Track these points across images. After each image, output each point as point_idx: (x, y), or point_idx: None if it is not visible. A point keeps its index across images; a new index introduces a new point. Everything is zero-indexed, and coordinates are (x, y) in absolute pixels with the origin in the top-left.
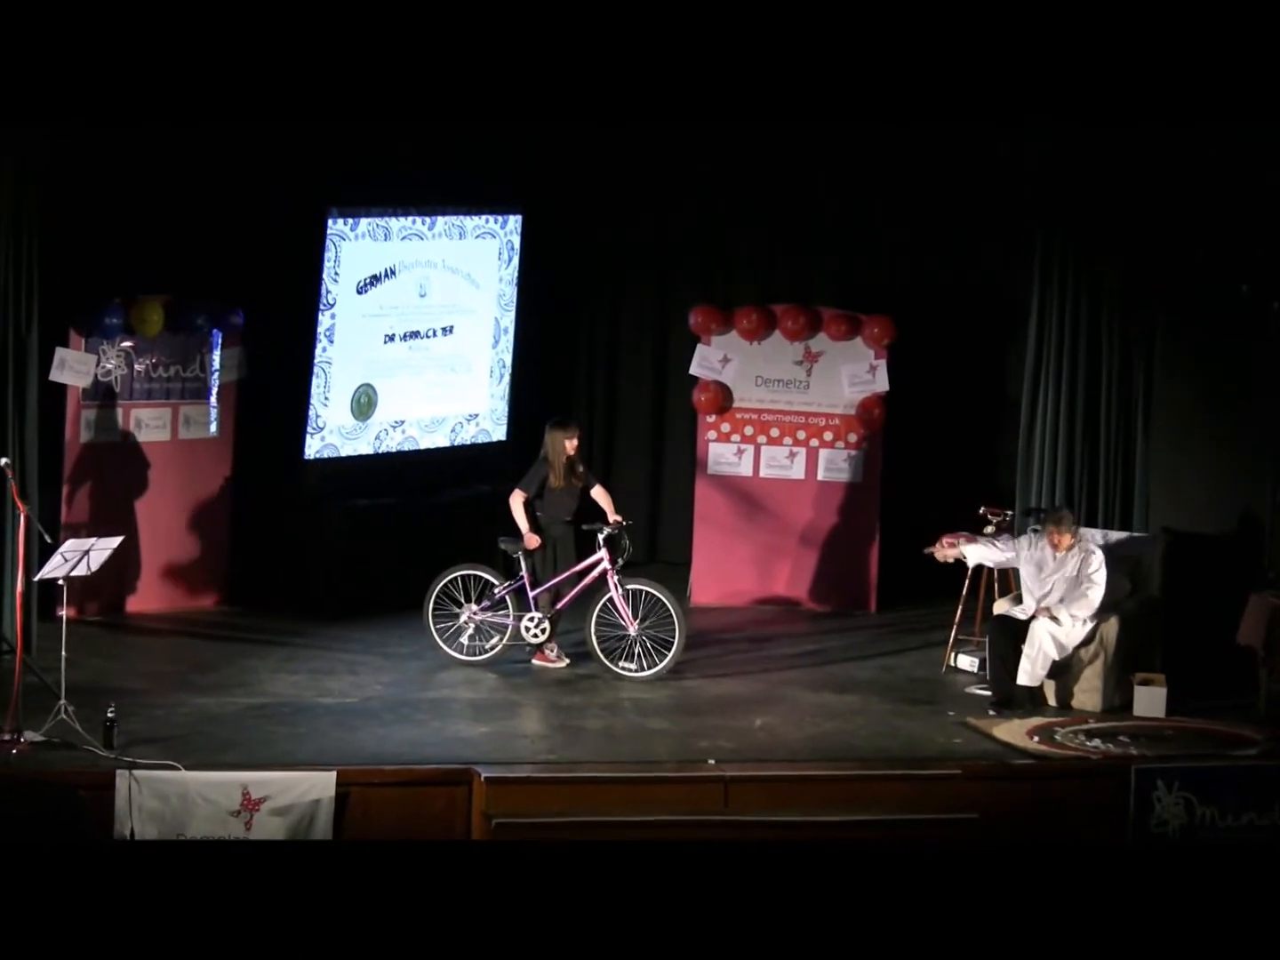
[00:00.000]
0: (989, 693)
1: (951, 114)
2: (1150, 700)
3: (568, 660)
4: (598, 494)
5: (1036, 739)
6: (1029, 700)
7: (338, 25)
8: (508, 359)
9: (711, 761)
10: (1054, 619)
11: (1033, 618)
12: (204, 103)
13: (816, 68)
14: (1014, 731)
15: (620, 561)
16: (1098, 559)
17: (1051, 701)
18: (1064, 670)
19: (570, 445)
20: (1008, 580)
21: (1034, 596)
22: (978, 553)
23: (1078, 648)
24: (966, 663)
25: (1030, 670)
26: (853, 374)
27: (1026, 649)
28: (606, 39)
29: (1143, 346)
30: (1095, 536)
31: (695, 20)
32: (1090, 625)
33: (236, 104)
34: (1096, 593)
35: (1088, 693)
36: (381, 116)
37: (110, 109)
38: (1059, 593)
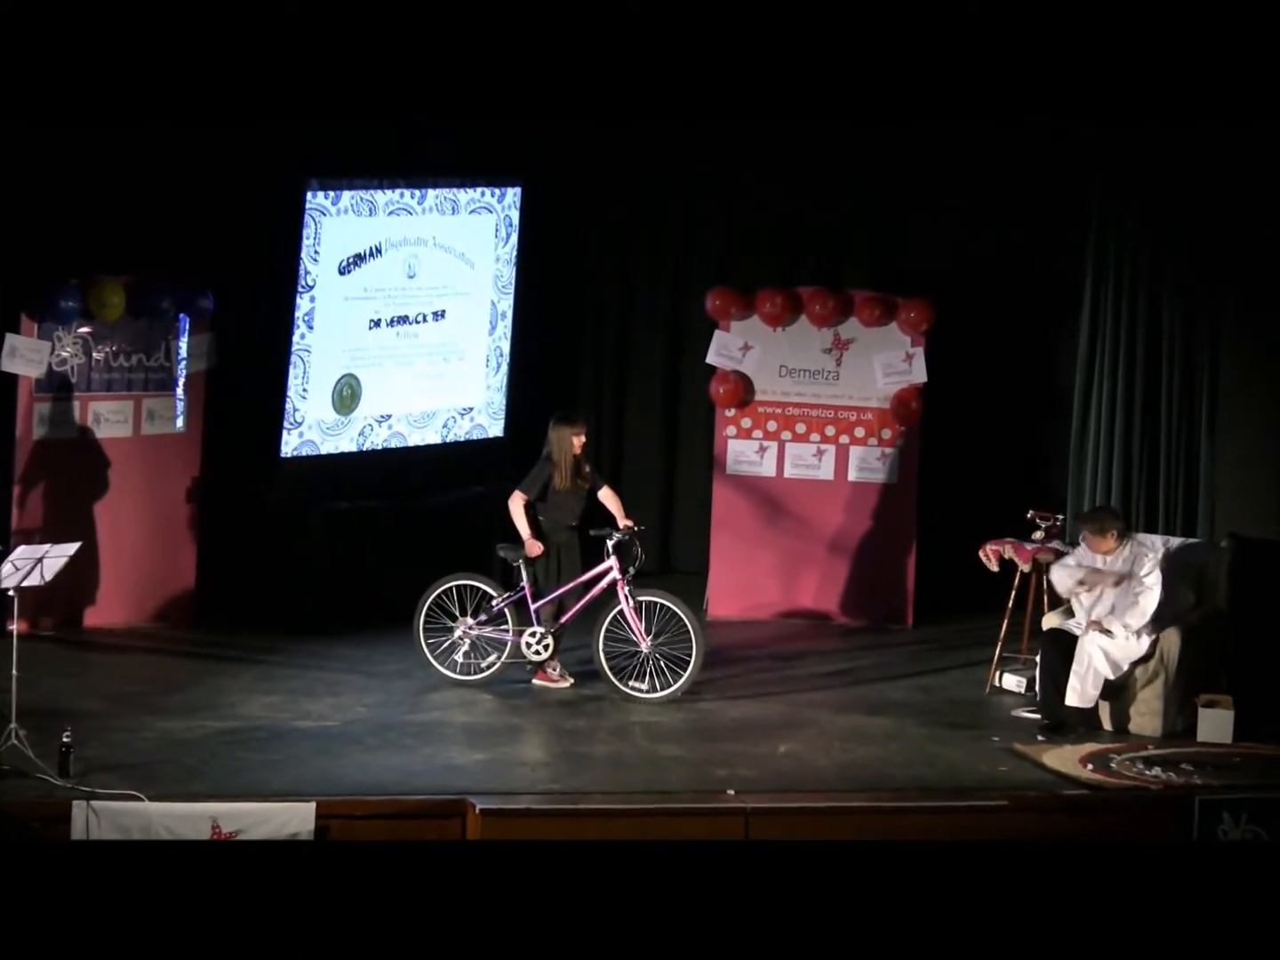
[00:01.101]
0: (1038, 716)
1: (999, 110)
2: (1216, 724)
3: (572, 680)
4: (605, 496)
5: (1090, 767)
6: (1081, 724)
7: None
8: (505, 347)
9: (731, 792)
10: (1105, 631)
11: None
12: (172, 66)
13: (856, 58)
14: (1065, 759)
15: (631, 571)
16: (1151, 560)
17: (1106, 726)
18: (1120, 691)
19: (578, 443)
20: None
21: (1084, 608)
22: (1061, 579)
23: (1134, 665)
24: (1013, 683)
25: (1080, 690)
26: (887, 363)
27: (1075, 666)
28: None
29: (1208, 333)
30: (1154, 542)
31: None
32: (1148, 640)
33: (208, 67)
34: (1149, 599)
35: (1146, 716)
36: (367, 88)
37: (72, 76)
38: (1109, 601)
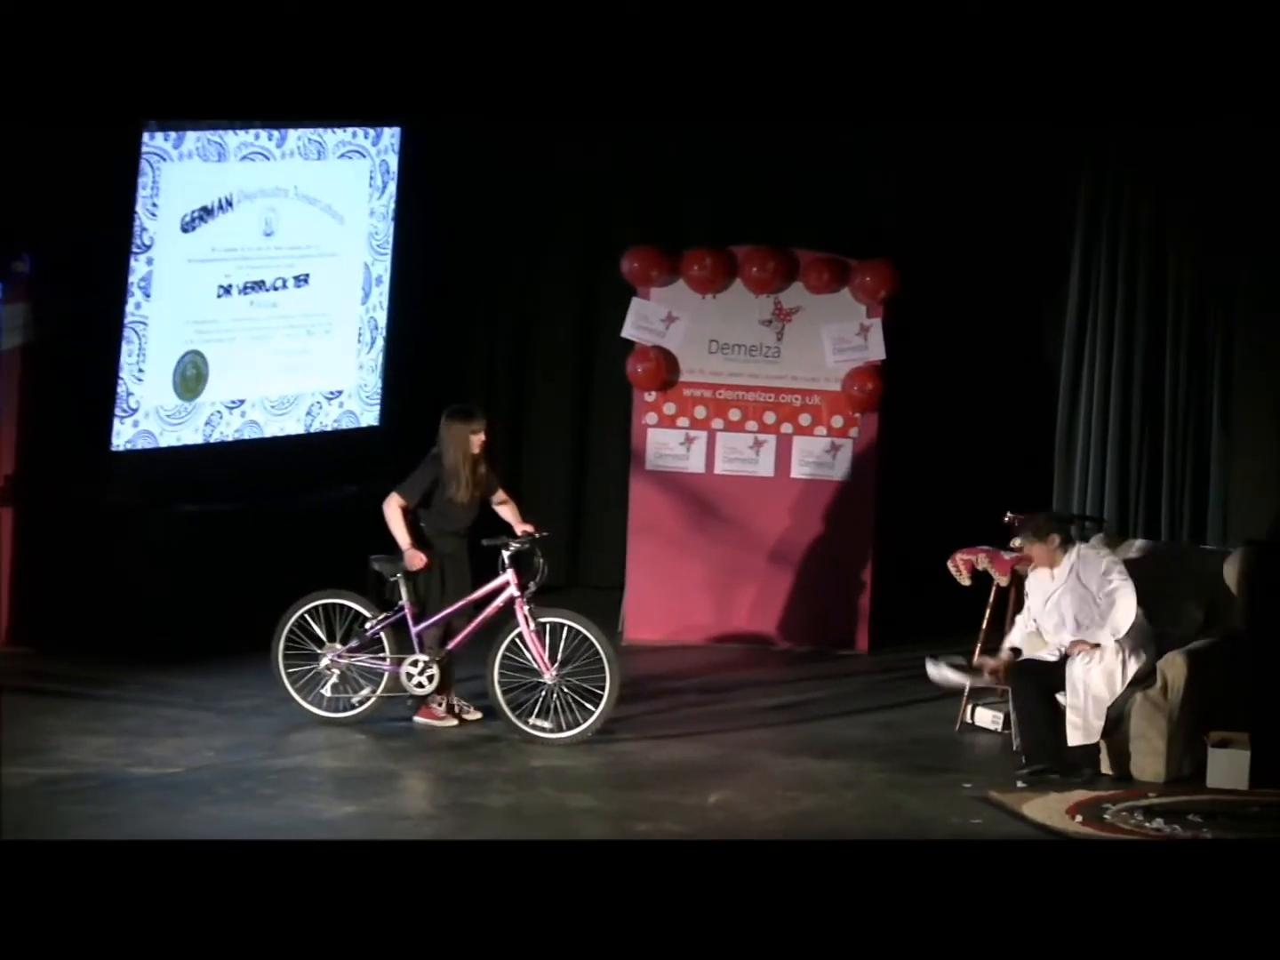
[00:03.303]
0: (961, 677)
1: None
2: (1229, 766)
3: (474, 714)
4: (499, 501)
5: (1080, 819)
6: (1088, 764)
7: None
8: (382, 318)
9: None
10: (1094, 647)
11: (1064, 658)
12: None
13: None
14: (1051, 809)
15: (532, 587)
16: (1103, 561)
17: (1104, 769)
18: (1114, 727)
19: (477, 441)
20: None
21: (1049, 634)
22: (1019, 633)
23: (1131, 688)
24: (988, 718)
25: (1083, 725)
26: (839, 337)
27: (1071, 699)
28: None
29: (1220, 308)
30: (1098, 547)
31: None
32: (1144, 656)
33: None
34: (1125, 595)
35: (1147, 757)
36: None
37: None
38: (1071, 618)
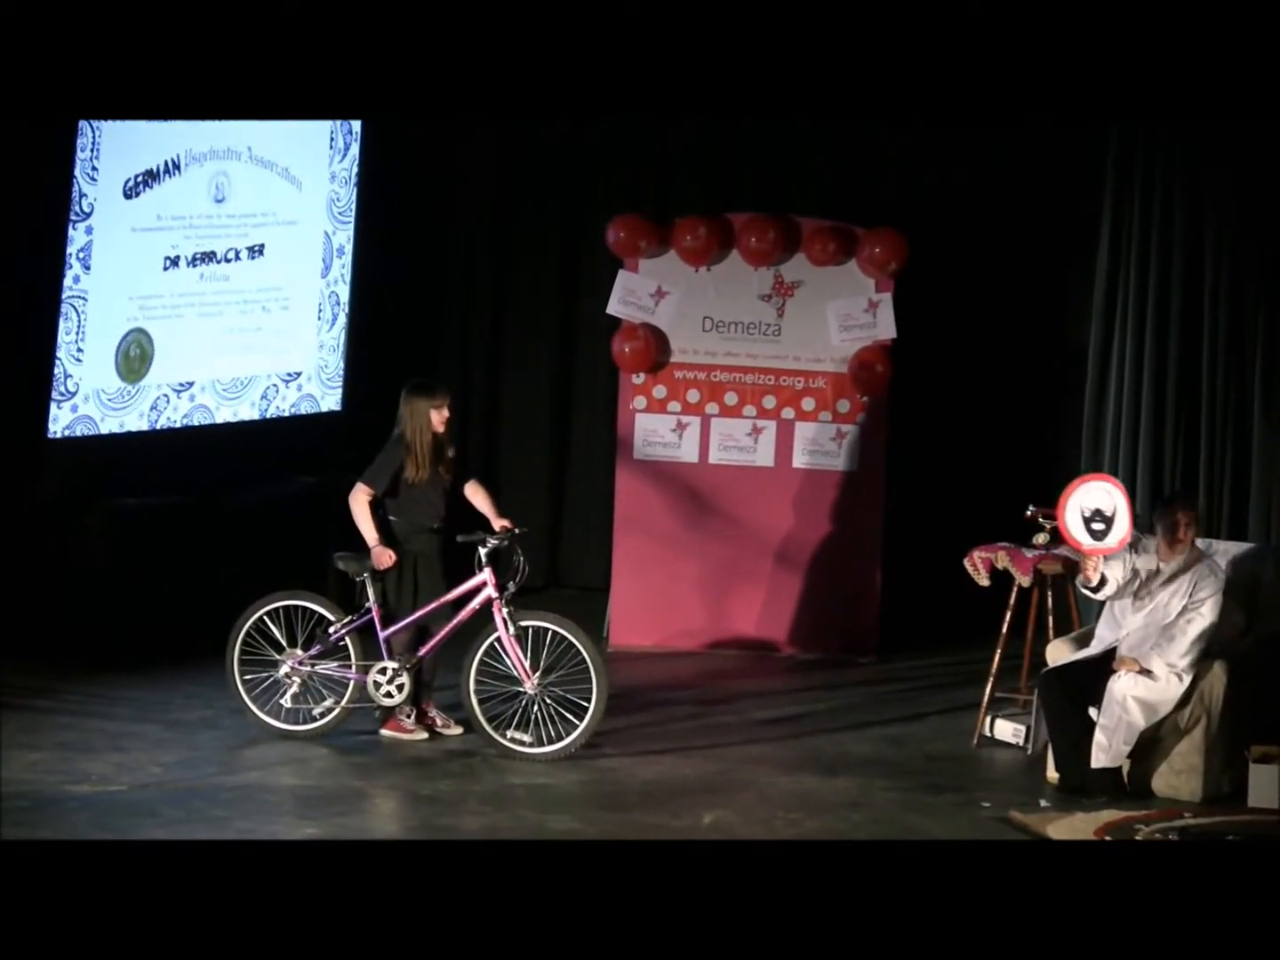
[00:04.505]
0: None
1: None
2: (1273, 784)
3: (455, 728)
4: (472, 491)
5: (1109, 840)
6: (1110, 790)
7: None
8: (344, 293)
9: None
10: (1145, 672)
11: (1109, 669)
12: None
13: None
14: (1076, 831)
15: (511, 588)
16: (1214, 582)
17: (1131, 786)
18: (1148, 742)
19: (438, 419)
20: (1068, 610)
21: (1117, 632)
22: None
23: (1172, 711)
24: (1009, 732)
25: (1109, 747)
26: (844, 314)
27: (1103, 720)
28: None
29: (1263, 283)
30: (1220, 555)
31: None
32: (1190, 676)
33: None
34: (1200, 627)
35: (1183, 774)
36: None
37: None
38: (1144, 627)
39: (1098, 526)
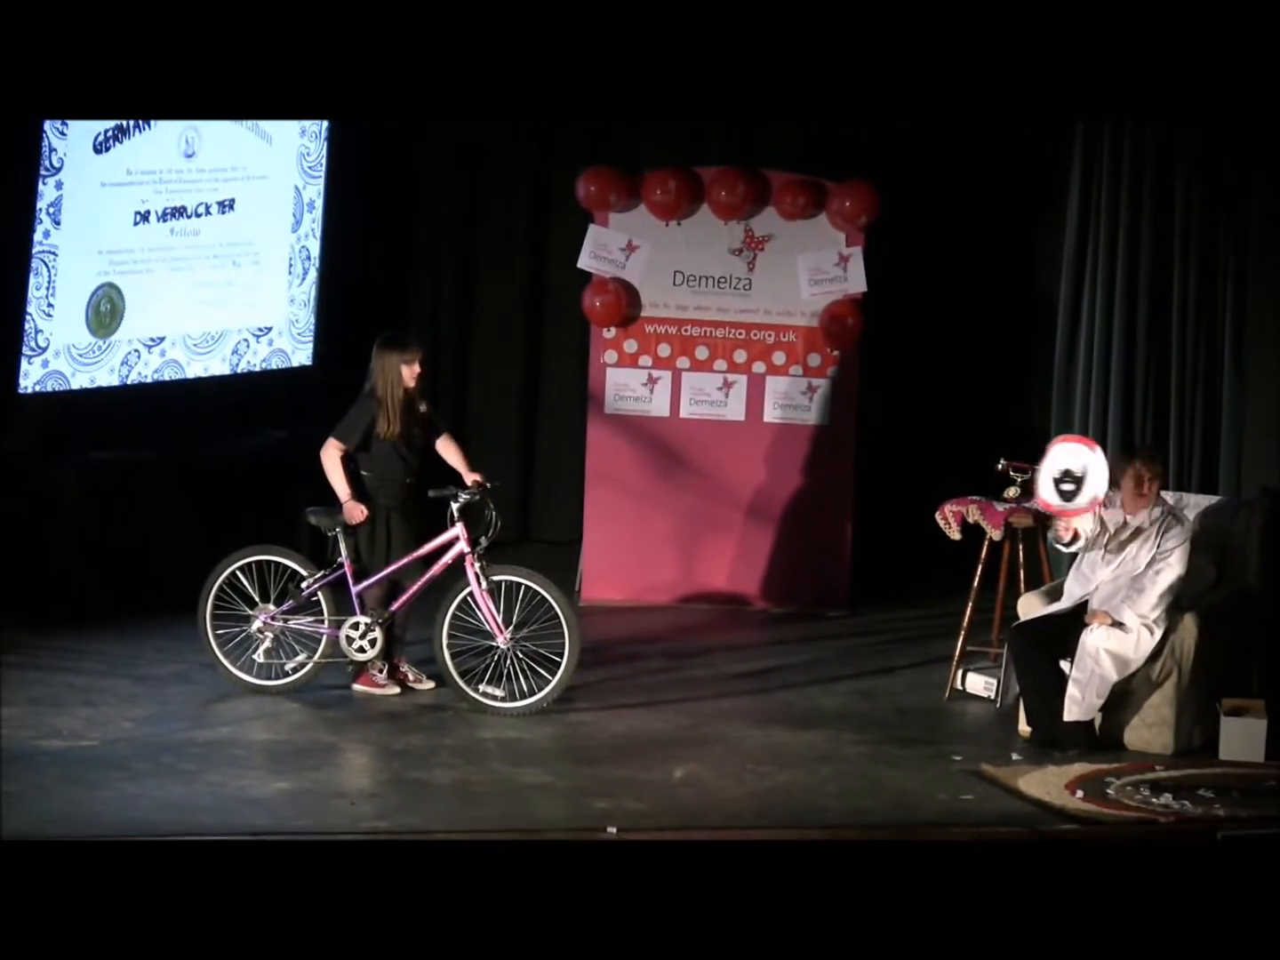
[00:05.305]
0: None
1: None
2: (1244, 737)
3: (427, 683)
4: (444, 446)
5: (1081, 794)
6: (1083, 742)
7: None
8: (315, 247)
9: (612, 830)
10: (1118, 625)
11: (1080, 623)
12: None
13: None
14: (1048, 784)
15: (483, 542)
16: (1180, 532)
17: (1103, 739)
18: (1120, 695)
19: (409, 373)
20: (1039, 564)
21: (1086, 587)
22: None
23: (1144, 664)
24: (980, 685)
25: (1082, 700)
26: (815, 268)
27: (1076, 673)
28: None
29: (1233, 238)
30: (1187, 506)
31: None
32: (1160, 631)
33: None
34: (1169, 577)
35: (1154, 727)
36: None
37: None
38: (1113, 580)
39: (1067, 487)
